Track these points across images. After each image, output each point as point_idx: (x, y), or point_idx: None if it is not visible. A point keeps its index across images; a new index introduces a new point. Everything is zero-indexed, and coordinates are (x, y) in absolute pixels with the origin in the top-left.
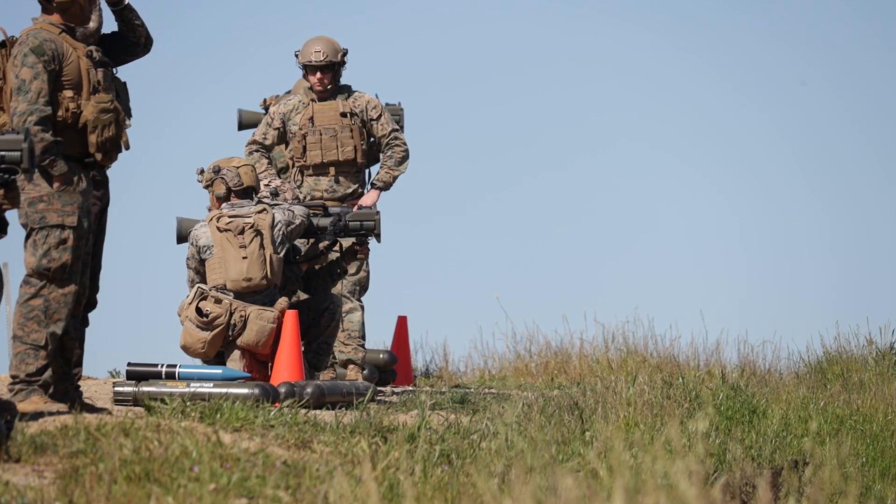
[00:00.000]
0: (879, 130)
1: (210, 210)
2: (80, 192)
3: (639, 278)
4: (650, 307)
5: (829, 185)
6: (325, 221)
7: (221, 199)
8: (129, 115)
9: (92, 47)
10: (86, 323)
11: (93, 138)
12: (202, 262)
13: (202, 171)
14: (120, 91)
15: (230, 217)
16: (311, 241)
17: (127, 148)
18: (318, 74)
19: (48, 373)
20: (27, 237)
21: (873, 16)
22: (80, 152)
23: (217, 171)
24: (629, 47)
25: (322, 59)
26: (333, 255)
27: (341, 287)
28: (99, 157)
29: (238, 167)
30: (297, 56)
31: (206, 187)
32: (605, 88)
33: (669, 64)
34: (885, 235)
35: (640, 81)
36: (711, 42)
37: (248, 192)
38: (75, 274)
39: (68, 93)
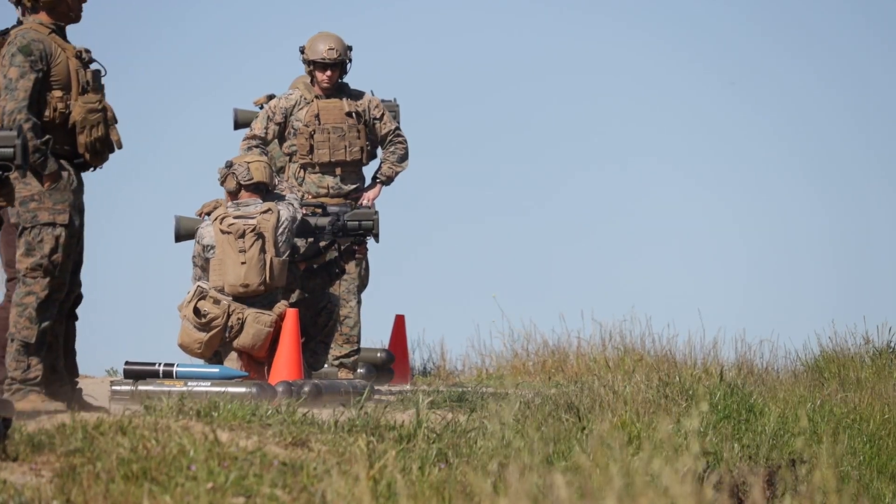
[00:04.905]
0: (877, 129)
1: (202, 212)
2: (72, 191)
3: (636, 277)
4: (647, 306)
5: (826, 183)
6: (323, 221)
7: (232, 195)
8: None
9: (82, 48)
10: (75, 317)
11: (81, 139)
12: (207, 260)
13: (220, 170)
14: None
15: (234, 218)
16: (310, 240)
17: (119, 147)
18: (328, 72)
19: (40, 367)
20: (19, 236)
21: (874, 16)
22: (71, 152)
23: (229, 165)
24: (623, 46)
25: (336, 56)
26: (332, 254)
27: (344, 289)
28: (88, 157)
29: (249, 162)
30: (302, 52)
31: (222, 183)
32: (600, 87)
33: (665, 63)
34: (883, 234)
35: (635, 80)
36: (706, 40)
37: (260, 188)
38: (66, 272)
39: (57, 93)
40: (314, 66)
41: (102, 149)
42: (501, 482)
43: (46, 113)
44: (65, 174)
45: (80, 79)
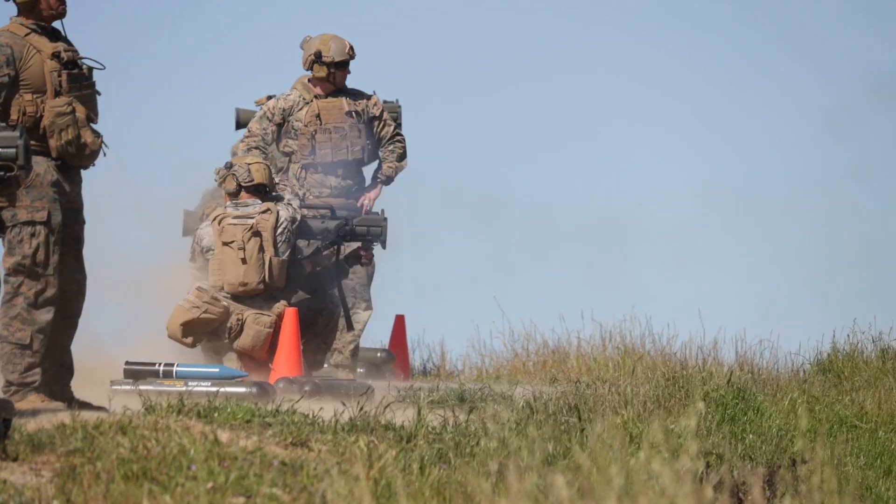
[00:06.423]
0: (878, 129)
1: (204, 213)
2: (51, 185)
3: (636, 277)
4: (648, 306)
5: (827, 184)
6: (331, 224)
7: (231, 196)
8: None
9: (61, 47)
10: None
11: (52, 142)
12: (207, 261)
13: (219, 171)
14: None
15: (233, 218)
16: (316, 242)
17: (96, 147)
18: (344, 71)
19: (38, 371)
20: (2, 236)
21: (874, 16)
22: (49, 154)
23: (229, 166)
24: (623, 45)
25: (354, 55)
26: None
27: (353, 289)
28: (66, 159)
29: (250, 164)
30: (319, 57)
31: (220, 184)
32: (600, 87)
33: (665, 61)
34: (883, 234)
35: (635, 80)
36: (708, 40)
37: (260, 189)
38: (51, 269)
39: (27, 96)
40: (337, 66)
41: (76, 151)
42: (501, 482)
43: (14, 116)
44: (40, 169)
45: (54, 81)
